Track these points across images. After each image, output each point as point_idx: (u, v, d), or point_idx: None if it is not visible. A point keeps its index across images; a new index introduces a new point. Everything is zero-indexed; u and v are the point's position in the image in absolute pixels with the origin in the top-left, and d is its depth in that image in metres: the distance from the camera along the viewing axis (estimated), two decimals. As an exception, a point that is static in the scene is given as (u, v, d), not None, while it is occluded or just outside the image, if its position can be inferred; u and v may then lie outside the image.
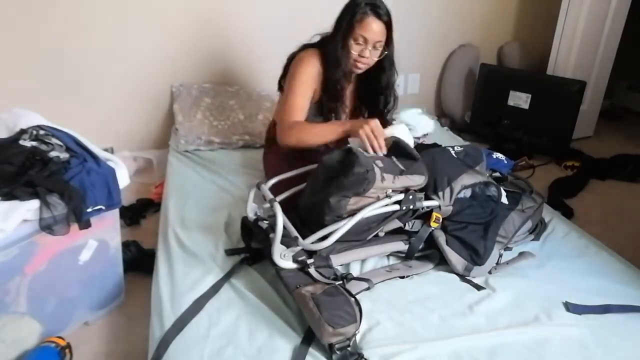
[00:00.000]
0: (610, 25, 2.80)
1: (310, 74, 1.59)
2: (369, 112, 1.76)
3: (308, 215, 1.31)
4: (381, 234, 1.35)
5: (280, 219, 1.23)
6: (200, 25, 2.43)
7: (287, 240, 1.23)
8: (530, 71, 3.13)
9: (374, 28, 1.51)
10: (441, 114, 3.21)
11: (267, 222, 1.33)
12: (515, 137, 2.80)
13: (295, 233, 1.23)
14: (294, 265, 1.20)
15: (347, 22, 1.52)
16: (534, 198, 1.53)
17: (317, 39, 1.67)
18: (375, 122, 1.43)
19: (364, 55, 1.55)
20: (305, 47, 1.66)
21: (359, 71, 1.61)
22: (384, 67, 1.64)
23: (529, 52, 3.20)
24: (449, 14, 2.97)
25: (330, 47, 1.56)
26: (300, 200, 1.37)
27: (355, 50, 1.54)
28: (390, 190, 1.27)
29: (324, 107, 1.65)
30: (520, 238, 1.47)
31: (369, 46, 1.54)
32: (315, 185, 1.32)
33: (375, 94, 1.72)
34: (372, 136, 1.40)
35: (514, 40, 3.23)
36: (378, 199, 1.26)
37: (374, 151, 1.39)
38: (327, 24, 1.60)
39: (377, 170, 1.23)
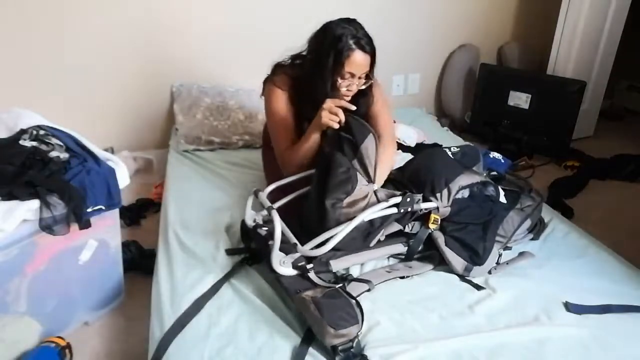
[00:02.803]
0: (610, 25, 2.80)
1: (281, 107, 1.57)
2: None
3: (309, 226, 1.30)
4: (382, 238, 1.35)
5: (279, 226, 1.23)
6: (200, 25, 2.43)
7: (286, 247, 1.23)
8: (530, 71, 3.13)
9: (361, 62, 1.44)
10: (441, 114, 3.21)
11: (265, 228, 1.32)
12: (515, 137, 2.80)
13: (294, 240, 1.23)
14: (293, 272, 1.20)
15: (333, 61, 1.44)
16: (533, 197, 1.53)
17: (288, 55, 1.61)
18: (327, 104, 1.39)
19: (351, 89, 1.49)
20: (276, 68, 1.62)
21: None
22: (365, 91, 1.56)
23: (529, 52, 3.19)
24: (449, 14, 2.97)
25: (317, 87, 1.47)
26: (302, 212, 1.37)
27: (343, 86, 1.48)
28: (375, 187, 1.30)
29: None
30: (520, 237, 1.47)
31: (355, 80, 1.48)
32: (310, 197, 1.33)
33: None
34: (335, 117, 1.36)
35: (514, 40, 3.23)
36: (367, 196, 1.27)
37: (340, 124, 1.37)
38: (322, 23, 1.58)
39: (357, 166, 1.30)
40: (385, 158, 1.50)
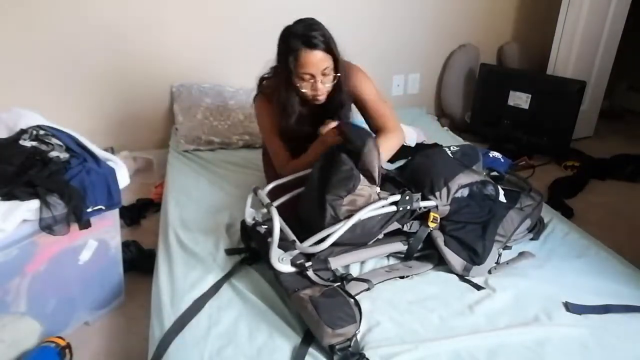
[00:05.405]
0: (610, 25, 2.79)
1: (269, 119, 1.59)
2: None
3: (308, 222, 1.31)
4: (380, 236, 1.35)
5: (277, 223, 1.23)
6: (200, 25, 2.44)
7: (285, 244, 1.23)
8: (530, 71, 3.13)
9: (313, 61, 1.38)
10: (441, 114, 3.21)
11: (265, 226, 1.32)
12: (516, 137, 2.80)
13: (292, 237, 1.23)
14: (292, 269, 1.20)
15: (284, 67, 1.42)
16: (533, 196, 1.53)
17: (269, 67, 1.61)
18: (326, 129, 1.48)
19: (317, 88, 1.44)
20: (261, 82, 1.63)
21: (320, 102, 1.51)
22: (335, 88, 1.50)
23: (529, 52, 3.19)
24: (449, 14, 2.97)
25: (280, 97, 1.48)
26: (299, 208, 1.37)
27: (306, 87, 1.44)
28: (378, 190, 1.30)
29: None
30: (519, 237, 1.47)
31: (318, 78, 1.42)
32: (310, 192, 1.33)
33: (331, 116, 1.59)
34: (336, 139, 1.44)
35: (514, 40, 3.23)
36: (370, 197, 1.27)
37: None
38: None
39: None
40: (388, 147, 1.54)
